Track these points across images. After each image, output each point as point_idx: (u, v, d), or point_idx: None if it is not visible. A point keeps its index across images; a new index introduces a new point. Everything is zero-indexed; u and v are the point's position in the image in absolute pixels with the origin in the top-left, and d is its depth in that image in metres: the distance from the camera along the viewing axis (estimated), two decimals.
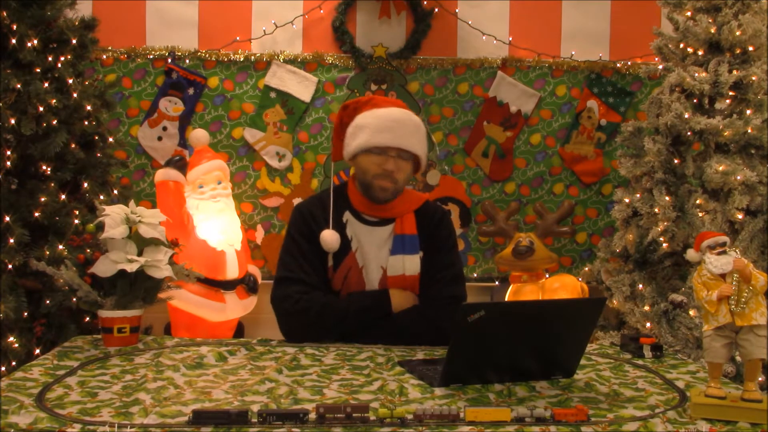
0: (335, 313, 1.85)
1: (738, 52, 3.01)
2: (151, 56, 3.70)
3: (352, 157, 1.95)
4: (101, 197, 2.83)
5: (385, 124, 1.89)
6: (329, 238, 1.89)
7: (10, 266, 2.51)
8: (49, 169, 2.68)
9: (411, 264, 1.91)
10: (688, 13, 3.11)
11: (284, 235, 2.00)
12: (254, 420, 1.15)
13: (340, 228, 1.94)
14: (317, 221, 1.94)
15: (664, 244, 3.04)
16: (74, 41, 2.81)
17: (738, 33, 2.95)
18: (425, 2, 3.79)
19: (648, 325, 2.95)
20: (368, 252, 1.93)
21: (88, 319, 2.72)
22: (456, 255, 2.04)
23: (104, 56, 3.65)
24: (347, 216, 1.96)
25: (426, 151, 1.98)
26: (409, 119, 1.93)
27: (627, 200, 3.21)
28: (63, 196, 2.69)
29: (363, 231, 1.94)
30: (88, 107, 2.83)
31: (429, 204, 2.04)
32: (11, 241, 2.51)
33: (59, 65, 2.74)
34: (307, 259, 1.91)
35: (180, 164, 3.38)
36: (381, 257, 1.92)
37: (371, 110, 1.92)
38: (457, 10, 3.85)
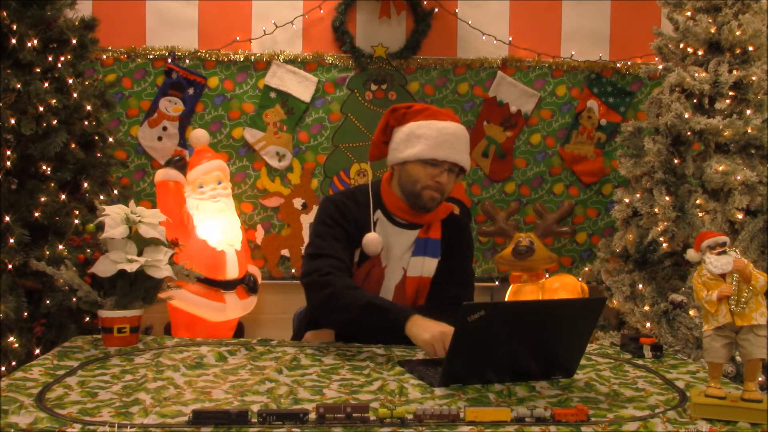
0: (352, 299, 1.77)
1: (738, 52, 3.01)
2: (151, 56, 3.70)
3: (401, 163, 1.95)
4: (101, 197, 2.83)
5: (444, 138, 1.90)
6: (373, 241, 1.90)
7: (10, 266, 2.51)
8: (49, 169, 2.68)
9: (429, 266, 1.95)
10: (688, 13, 3.11)
11: (314, 222, 1.99)
12: (254, 420, 1.15)
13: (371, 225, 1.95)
14: (351, 212, 1.95)
15: (664, 244, 3.04)
16: (74, 41, 2.81)
17: (738, 33, 2.95)
18: (425, 2, 3.79)
19: (648, 325, 2.95)
20: (394, 253, 1.95)
21: (88, 319, 2.71)
22: (469, 263, 2.08)
23: (104, 56, 3.65)
24: (378, 215, 1.97)
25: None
26: (463, 134, 1.96)
27: (627, 200, 3.21)
28: (63, 196, 2.69)
29: (392, 232, 1.96)
30: (88, 107, 2.83)
31: (454, 214, 2.08)
32: (11, 241, 2.50)
33: (59, 65, 2.74)
34: (340, 241, 1.91)
35: (180, 164, 3.38)
36: (404, 259, 1.95)
37: (428, 121, 1.93)
38: (457, 10, 3.85)
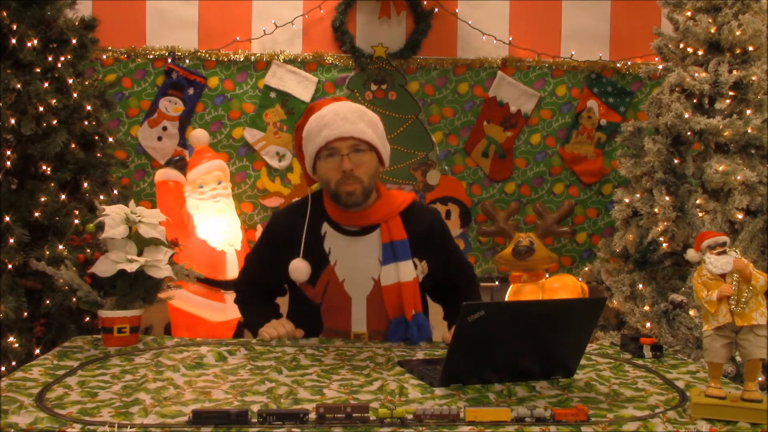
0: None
1: (738, 52, 3.01)
2: (151, 56, 3.70)
3: (314, 172, 1.84)
4: (101, 197, 2.83)
5: (321, 121, 1.77)
6: (297, 267, 1.81)
7: (10, 266, 2.51)
8: (49, 169, 2.68)
9: (405, 270, 1.81)
10: (688, 13, 3.11)
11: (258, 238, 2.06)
12: (254, 420, 1.15)
13: (318, 241, 1.84)
14: (291, 235, 1.86)
15: (664, 244, 3.04)
16: (74, 41, 2.80)
17: (738, 33, 2.95)
18: (425, 2, 3.79)
19: (648, 325, 2.95)
20: (351, 264, 1.82)
21: (88, 319, 2.71)
22: (456, 251, 2.01)
23: (104, 56, 3.65)
24: (325, 228, 1.85)
25: (381, 136, 1.83)
26: (345, 107, 1.79)
27: (627, 200, 3.21)
28: (63, 196, 2.69)
29: (344, 243, 1.83)
30: (88, 107, 2.83)
31: (416, 205, 1.92)
32: (11, 241, 2.50)
33: (59, 65, 2.74)
34: (264, 266, 1.97)
35: (180, 164, 3.38)
36: (370, 268, 1.82)
37: (310, 119, 1.82)
38: (457, 10, 3.85)
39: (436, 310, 2.06)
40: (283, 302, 2.07)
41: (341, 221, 1.85)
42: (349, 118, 1.76)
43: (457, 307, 1.52)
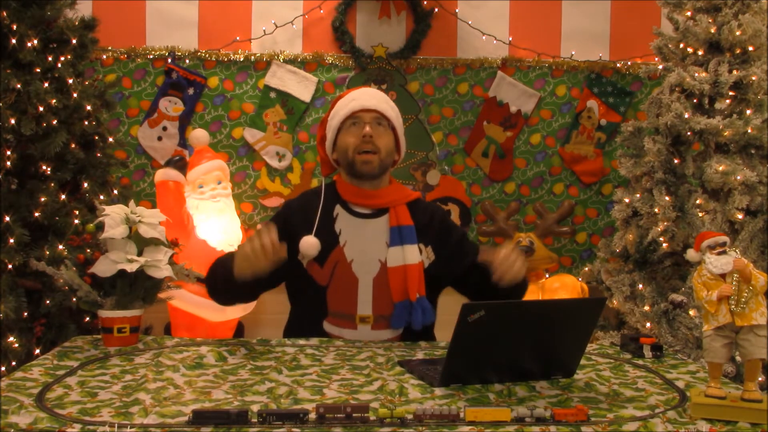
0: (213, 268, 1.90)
1: (738, 52, 3.01)
2: (151, 56, 3.70)
3: (335, 148, 1.96)
4: (101, 197, 2.83)
5: (349, 98, 1.95)
6: (309, 242, 1.85)
7: (10, 266, 2.51)
8: (49, 169, 2.68)
9: (411, 253, 1.89)
10: (688, 13, 3.12)
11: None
12: (254, 420, 1.15)
13: (330, 222, 1.92)
14: (305, 214, 1.94)
15: (664, 244, 3.04)
16: (74, 41, 2.81)
17: (738, 33, 2.95)
18: (425, 2, 3.79)
19: (648, 325, 2.95)
20: (360, 246, 1.90)
21: (88, 319, 2.72)
22: (463, 232, 2.11)
23: (104, 56, 3.65)
24: (338, 210, 1.95)
25: (400, 126, 1.99)
26: (374, 90, 2.00)
27: (627, 200, 3.21)
28: (63, 196, 2.69)
29: (354, 225, 1.93)
30: (88, 107, 2.83)
31: (421, 200, 2.06)
32: (11, 241, 2.50)
33: (59, 65, 2.74)
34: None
35: (180, 164, 3.39)
36: (377, 250, 1.90)
37: (338, 102, 1.98)
38: (457, 10, 3.85)
39: (440, 311, 2.07)
40: (284, 302, 2.07)
41: (353, 200, 1.95)
42: (376, 96, 1.96)
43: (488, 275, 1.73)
